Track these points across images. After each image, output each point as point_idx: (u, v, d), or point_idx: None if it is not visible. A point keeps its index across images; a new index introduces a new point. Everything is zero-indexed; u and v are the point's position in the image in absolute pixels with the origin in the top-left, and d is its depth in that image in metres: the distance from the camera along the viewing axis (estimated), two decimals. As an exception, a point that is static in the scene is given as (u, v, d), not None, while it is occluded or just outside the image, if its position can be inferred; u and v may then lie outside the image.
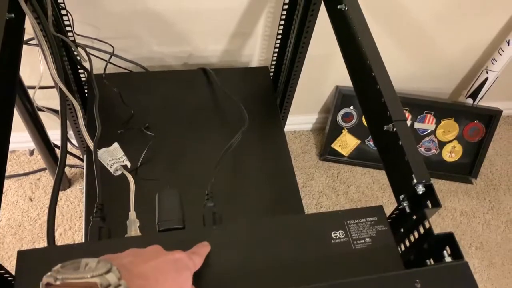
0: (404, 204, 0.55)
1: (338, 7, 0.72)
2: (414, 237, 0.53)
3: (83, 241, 0.96)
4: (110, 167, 0.57)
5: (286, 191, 0.90)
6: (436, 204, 0.51)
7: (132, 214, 0.52)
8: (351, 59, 0.70)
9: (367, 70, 0.64)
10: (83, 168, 1.32)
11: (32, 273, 0.44)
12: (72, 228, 1.25)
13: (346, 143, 1.45)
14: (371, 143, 1.45)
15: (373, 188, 1.46)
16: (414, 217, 0.54)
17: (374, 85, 0.62)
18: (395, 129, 0.57)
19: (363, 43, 0.65)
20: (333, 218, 0.53)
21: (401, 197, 0.56)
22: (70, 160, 1.33)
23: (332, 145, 1.46)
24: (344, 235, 0.52)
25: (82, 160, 1.29)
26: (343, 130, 1.44)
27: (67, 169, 1.31)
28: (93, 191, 0.86)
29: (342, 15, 0.71)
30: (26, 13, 0.64)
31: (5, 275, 0.49)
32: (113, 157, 0.57)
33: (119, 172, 0.57)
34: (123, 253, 0.41)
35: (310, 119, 1.52)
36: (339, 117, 1.42)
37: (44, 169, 1.31)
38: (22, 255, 0.46)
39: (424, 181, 0.52)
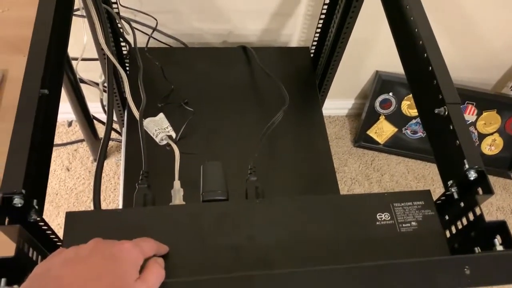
0: (453, 190, 0.53)
1: (391, -14, 0.69)
2: (462, 224, 0.51)
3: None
4: (156, 137, 0.57)
5: (322, 172, 0.89)
6: (488, 191, 0.49)
7: (177, 183, 0.53)
8: (402, 39, 0.68)
9: (420, 51, 0.61)
10: (119, 142, 1.34)
11: (79, 235, 0.45)
12: (106, 200, 1.28)
13: (383, 130, 1.42)
14: (408, 131, 1.42)
15: (407, 178, 1.43)
16: (462, 204, 0.52)
17: (427, 67, 0.60)
18: (447, 113, 0.55)
19: (417, 23, 0.62)
20: (379, 200, 0.51)
21: (450, 182, 0.54)
22: (107, 133, 1.35)
23: (368, 132, 1.43)
24: (389, 217, 0.51)
25: (119, 133, 1.31)
26: (380, 117, 1.41)
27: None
28: (132, 161, 0.87)
29: (395, -6, 0.69)
30: (77, -20, 0.65)
31: (51, 236, 0.50)
32: (159, 127, 0.57)
33: (164, 142, 0.58)
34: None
35: (346, 104, 1.50)
36: (377, 103, 1.39)
37: (81, 141, 1.34)
38: (71, 216, 0.46)
39: (476, 166, 0.50)
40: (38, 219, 0.46)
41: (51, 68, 0.54)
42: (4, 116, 0.57)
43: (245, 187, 0.54)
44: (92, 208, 1.25)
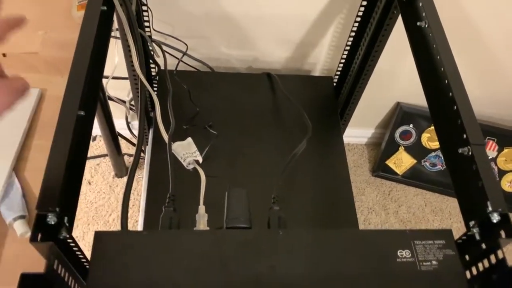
0: (474, 230, 0.53)
1: (418, 23, 0.71)
2: (483, 265, 0.51)
3: (139, 228, 1.00)
4: (184, 161, 0.59)
5: (342, 202, 0.89)
6: (511, 235, 0.49)
7: (202, 208, 0.54)
8: (427, 77, 0.69)
9: (445, 89, 0.62)
10: (141, 159, 1.37)
11: (107, 255, 0.47)
12: (124, 215, 1.30)
13: (402, 161, 1.42)
14: (427, 164, 1.42)
15: (424, 211, 1.42)
16: (484, 245, 0.52)
17: (452, 106, 0.61)
18: (471, 153, 0.56)
19: (444, 62, 0.63)
20: (400, 236, 0.52)
21: (471, 223, 0.54)
22: (129, 149, 1.38)
23: (387, 162, 1.43)
24: (410, 254, 0.51)
25: (141, 150, 1.33)
26: (399, 148, 1.41)
27: (125, 158, 1.36)
28: (155, 181, 0.89)
29: (422, 32, 0.70)
30: (116, 6, 0.68)
31: (77, 252, 0.52)
32: (187, 151, 0.59)
33: (191, 166, 0.59)
34: None
35: (366, 132, 1.50)
36: (397, 134, 1.39)
37: (104, 155, 1.37)
38: (99, 236, 0.48)
39: (500, 209, 0.50)
40: (68, 236, 0.48)
41: (88, 91, 0.56)
42: (40, 133, 0.60)
43: (268, 216, 0.55)
44: (111, 222, 1.26)
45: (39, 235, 0.44)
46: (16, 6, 0.75)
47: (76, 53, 0.57)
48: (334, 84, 1.13)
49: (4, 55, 0.68)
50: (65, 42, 0.70)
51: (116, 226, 1.28)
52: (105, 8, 0.64)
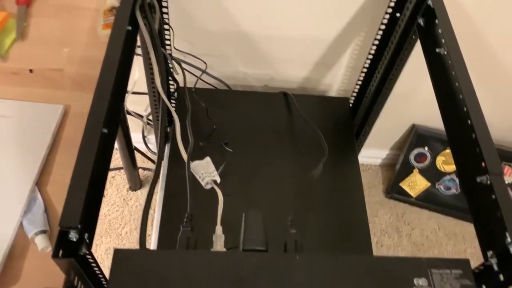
0: (492, 261, 0.53)
1: (437, 50, 0.71)
2: (501, 297, 0.51)
3: (152, 243, 1.00)
4: (202, 180, 0.60)
5: (356, 224, 0.89)
6: (530, 267, 0.49)
7: (219, 228, 0.54)
8: (446, 103, 0.69)
9: (464, 116, 0.62)
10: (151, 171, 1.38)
11: (125, 273, 0.47)
12: (137, 228, 1.31)
13: (416, 183, 1.41)
14: (442, 187, 1.40)
15: (438, 234, 1.40)
16: (502, 276, 0.52)
17: (470, 133, 0.61)
18: (489, 182, 0.56)
19: (463, 89, 0.64)
20: (416, 264, 0.52)
21: (489, 253, 0.54)
22: (145, 163, 1.39)
23: (401, 184, 1.42)
24: (426, 283, 0.51)
25: (154, 162, 1.35)
26: (414, 170, 1.40)
27: (140, 171, 1.37)
28: (172, 198, 0.90)
29: (441, 58, 0.71)
30: (141, 26, 0.70)
31: (95, 268, 0.53)
32: (206, 171, 0.59)
33: (209, 186, 0.60)
34: None
35: (380, 154, 1.50)
36: (411, 156, 1.39)
37: (120, 168, 1.38)
38: (118, 254, 0.49)
39: (518, 241, 0.50)
40: (87, 252, 0.49)
41: (112, 108, 0.58)
42: (64, 149, 0.61)
43: (285, 239, 0.55)
44: (123, 235, 1.27)
45: (61, 251, 0.45)
46: (44, 24, 0.78)
47: (102, 72, 0.58)
48: (350, 105, 1.14)
49: (31, 71, 0.70)
50: (90, 60, 0.72)
51: (128, 239, 1.28)
52: (130, 28, 0.66)
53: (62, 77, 0.68)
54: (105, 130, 0.55)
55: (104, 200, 1.34)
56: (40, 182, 0.59)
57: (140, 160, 1.38)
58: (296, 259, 0.50)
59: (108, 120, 0.56)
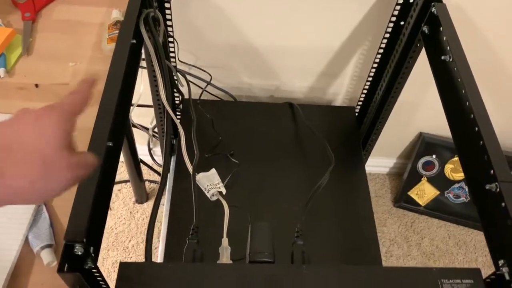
0: (504, 270, 0.52)
1: (442, 57, 0.71)
2: (514, 307, 0.50)
3: (158, 256, 1.00)
4: (208, 192, 0.59)
5: (364, 234, 0.88)
6: (543, 276, 0.48)
7: (225, 240, 0.54)
8: (452, 111, 0.69)
9: (471, 124, 0.62)
10: (157, 183, 1.38)
11: (131, 285, 0.47)
12: (144, 241, 1.30)
13: (424, 192, 1.40)
14: (451, 195, 1.39)
15: (448, 243, 1.38)
16: (514, 286, 0.51)
17: (478, 141, 0.60)
18: (499, 190, 0.55)
19: (469, 96, 0.63)
20: (426, 274, 0.51)
21: (501, 262, 0.53)
22: (151, 175, 1.39)
23: (409, 193, 1.41)
24: (437, 294, 0.50)
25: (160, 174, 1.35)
26: (422, 179, 1.39)
27: (146, 184, 1.37)
28: (177, 210, 0.89)
29: (446, 66, 0.70)
30: (145, 39, 0.70)
31: (101, 282, 0.52)
32: (211, 183, 0.59)
33: (215, 198, 0.60)
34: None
35: (388, 162, 1.49)
36: (419, 165, 1.37)
37: (126, 181, 1.38)
38: (124, 267, 0.48)
39: (530, 249, 0.49)
40: (93, 266, 0.48)
41: (117, 121, 0.58)
42: (69, 163, 0.61)
43: (292, 250, 0.54)
44: (130, 248, 1.27)
45: (66, 265, 0.45)
46: (49, 39, 0.79)
47: (107, 86, 0.58)
48: (356, 114, 1.13)
49: (36, 85, 0.71)
50: (95, 74, 0.72)
51: (135, 253, 1.28)
52: (134, 41, 0.66)
53: (67, 91, 0.68)
54: (110, 143, 0.55)
55: (110, 213, 1.34)
56: (45, 196, 0.59)
57: (146, 173, 1.38)
58: (303, 270, 0.49)
59: (113, 133, 0.56)
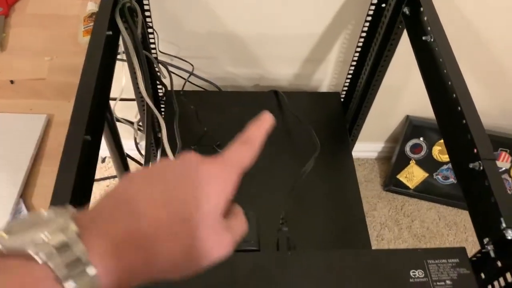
0: (489, 248, 0.52)
1: (423, 38, 0.71)
2: (499, 284, 0.50)
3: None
4: (190, 183, 0.59)
5: (352, 219, 0.88)
6: (527, 252, 0.48)
7: (209, 231, 0.53)
8: (435, 91, 0.68)
9: (453, 103, 0.62)
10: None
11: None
12: (135, 236, 1.29)
13: (413, 175, 1.40)
14: (440, 177, 1.40)
15: (438, 225, 1.39)
16: (499, 263, 0.51)
17: (460, 120, 0.60)
18: (482, 168, 0.55)
19: (451, 76, 0.63)
20: (412, 256, 0.51)
21: (486, 240, 0.53)
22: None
23: (398, 176, 1.41)
24: (423, 275, 0.50)
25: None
26: (410, 162, 1.39)
27: (135, 179, 1.36)
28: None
29: (428, 46, 0.70)
30: (122, 31, 0.69)
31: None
32: (193, 174, 0.58)
33: (198, 189, 0.59)
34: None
35: (376, 147, 1.49)
36: (407, 148, 1.38)
37: (114, 177, 1.37)
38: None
39: (514, 226, 0.49)
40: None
41: (94, 115, 0.57)
42: (48, 160, 0.60)
43: (277, 237, 0.54)
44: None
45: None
46: (23, 34, 0.77)
47: (82, 78, 0.57)
48: (342, 99, 1.13)
49: (12, 82, 0.69)
50: (72, 68, 0.70)
51: (126, 248, 1.27)
52: (110, 32, 0.65)
53: (44, 86, 0.67)
54: (88, 137, 0.54)
55: (100, 209, 1.33)
56: (24, 195, 0.58)
57: (134, 168, 1.37)
58: (288, 256, 0.49)
59: (92, 126, 0.55)
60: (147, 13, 0.87)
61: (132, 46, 0.68)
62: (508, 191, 1.47)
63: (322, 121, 1.04)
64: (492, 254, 0.51)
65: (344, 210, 0.88)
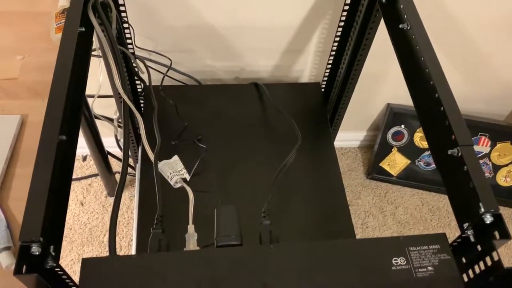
0: (469, 233, 0.53)
1: (400, 26, 0.70)
2: (479, 268, 0.51)
3: (132, 248, 0.98)
4: (171, 180, 0.58)
5: (336, 209, 0.89)
6: (505, 236, 0.48)
7: (191, 227, 0.53)
8: (413, 79, 0.69)
9: (431, 91, 0.62)
10: (133, 176, 1.36)
11: (95, 281, 0.45)
12: (119, 234, 1.28)
13: (396, 162, 1.42)
14: (422, 163, 1.41)
15: (422, 210, 1.41)
16: (479, 247, 0.51)
17: (438, 107, 0.60)
18: (460, 154, 0.55)
19: (428, 63, 0.63)
20: (394, 244, 0.51)
21: (465, 225, 0.53)
22: (120, 167, 1.36)
23: (381, 164, 1.42)
24: (405, 262, 0.50)
25: (133, 168, 1.32)
26: (392, 149, 1.40)
27: (116, 176, 1.34)
28: (146, 200, 0.88)
29: (404, 34, 0.70)
30: (95, 26, 0.67)
31: (67, 280, 0.51)
32: (174, 170, 0.58)
33: (179, 185, 0.58)
34: None
35: (358, 136, 1.50)
36: (389, 136, 1.39)
37: (95, 175, 1.35)
38: (86, 263, 0.47)
39: (492, 210, 0.50)
40: (55, 265, 0.47)
41: (69, 114, 0.55)
42: (23, 161, 0.59)
43: (259, 231, 0.54)
44: (105, 243, 1.25)
45: (24, 267, 0.43)
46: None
47: (55, 77, 0.56)
48: (322, 90, 1.13)
49: (-17, 82, 0.67)
50: (45, 66, 0.69)
51: (111, 246, 1.26)
52: (83, 29, 0.63)
53: (17, 86, 0.66)
54: (64, 137, 0.53)
55: (82, 208, 1.31)
56: (0, 198, 0.57)
57: (116, 165, 1.36)
58: (271, 250, 0.49)
59: (67, 126, 0.54)
60: (121, 8, 0.86)
61: (107, 42, 0.67)
62: (488, 175, 1.49)
63: (303, 112, 1.04)
64: (472, 238, 0.52)
65: (327, 200, 0.88)
